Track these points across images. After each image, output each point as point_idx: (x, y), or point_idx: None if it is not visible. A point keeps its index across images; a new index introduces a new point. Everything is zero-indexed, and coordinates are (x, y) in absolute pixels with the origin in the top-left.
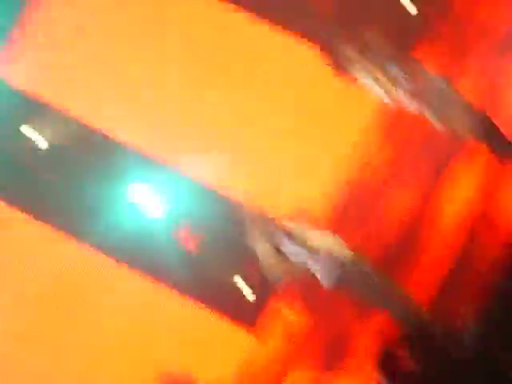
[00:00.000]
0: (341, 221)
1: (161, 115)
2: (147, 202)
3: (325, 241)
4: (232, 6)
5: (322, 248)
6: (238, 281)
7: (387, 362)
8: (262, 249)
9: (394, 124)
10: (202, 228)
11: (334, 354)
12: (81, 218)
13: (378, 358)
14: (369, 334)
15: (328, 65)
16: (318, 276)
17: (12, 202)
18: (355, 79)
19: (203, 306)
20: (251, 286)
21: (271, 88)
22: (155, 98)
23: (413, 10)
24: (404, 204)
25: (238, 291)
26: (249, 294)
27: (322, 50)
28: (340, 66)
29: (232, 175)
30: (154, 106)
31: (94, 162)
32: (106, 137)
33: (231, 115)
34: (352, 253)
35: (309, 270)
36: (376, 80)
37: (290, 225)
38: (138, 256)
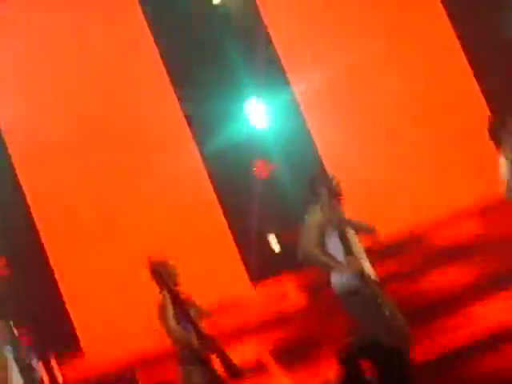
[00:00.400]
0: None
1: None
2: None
3: (364, 257)
4: None
5: (358, 256)
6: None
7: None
8: (316, 212)
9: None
10: (281, 164)
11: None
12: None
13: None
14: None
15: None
16: (335, 275)
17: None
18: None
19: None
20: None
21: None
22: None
23: None
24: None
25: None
26: (276, 248)
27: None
28: (495, 132)
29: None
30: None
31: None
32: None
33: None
34: (376, 278)
35: (332, 265)
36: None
37: (352, 221)
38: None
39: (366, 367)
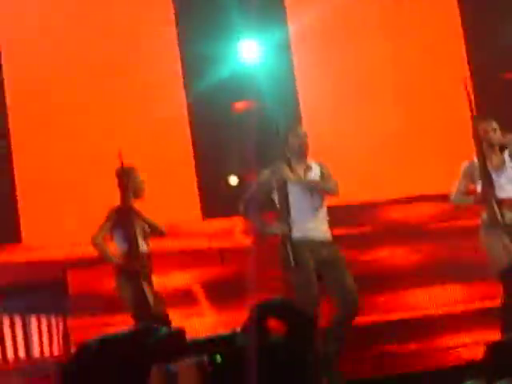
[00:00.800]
0: None
1: None
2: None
3: (315, 218)
4: None
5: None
6: None
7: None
8: (268, 169)
9: None
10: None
11: None
12: None
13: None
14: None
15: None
16: None
17: None
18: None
19: None
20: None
21: None
22: None
23: None
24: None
25: None
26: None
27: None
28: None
29: None
30: None
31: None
32: None
33: None
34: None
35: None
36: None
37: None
38: None
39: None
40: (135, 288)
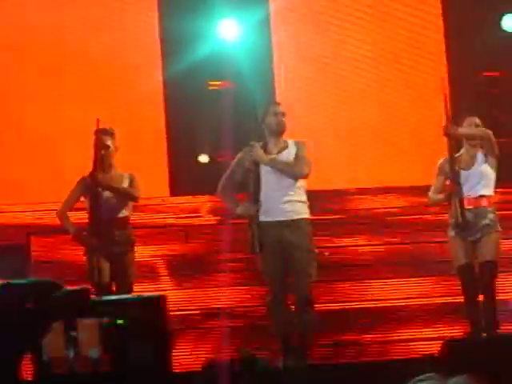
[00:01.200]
0: None
1: None
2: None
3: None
4: None
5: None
6: None
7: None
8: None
9: None
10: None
11: None
12: None
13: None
14: None
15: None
16: None
17: None
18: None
19: None
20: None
21: None
22: None
23: None
24: None
25: None
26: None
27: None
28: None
29: None
30: None
31: None
32: None
33: None
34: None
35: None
36: None
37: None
38: None
39: None
40: (88, 260)
